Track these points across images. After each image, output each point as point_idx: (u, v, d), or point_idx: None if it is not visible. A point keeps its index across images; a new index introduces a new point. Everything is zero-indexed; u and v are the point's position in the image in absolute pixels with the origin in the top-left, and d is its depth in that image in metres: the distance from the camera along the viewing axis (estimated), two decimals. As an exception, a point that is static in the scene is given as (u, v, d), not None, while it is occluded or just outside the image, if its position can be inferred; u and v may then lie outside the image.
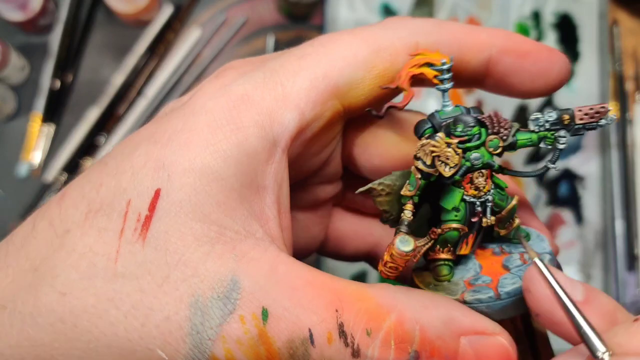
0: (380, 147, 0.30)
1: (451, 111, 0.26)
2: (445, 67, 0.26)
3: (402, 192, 0.26)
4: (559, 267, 0.26)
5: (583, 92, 0.68)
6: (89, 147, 0.65)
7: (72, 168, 0.65)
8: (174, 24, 0.68)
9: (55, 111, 0.66)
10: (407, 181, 0.26)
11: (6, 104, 0.64)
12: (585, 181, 0.67)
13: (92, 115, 0.66)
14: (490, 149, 0.25)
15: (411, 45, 0.27)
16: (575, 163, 0.67)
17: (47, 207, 0.25)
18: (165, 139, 0.24)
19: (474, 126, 0.25)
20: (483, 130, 0.25)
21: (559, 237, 0.66)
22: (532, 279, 0.23)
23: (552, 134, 0.25)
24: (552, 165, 0.26)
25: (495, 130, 0.25)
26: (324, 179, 0.31)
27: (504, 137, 0.25)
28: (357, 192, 0.27)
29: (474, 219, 0.26)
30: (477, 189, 0.26)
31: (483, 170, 0.26)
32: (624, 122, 0.68)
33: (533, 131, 0.26)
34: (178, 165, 0.23)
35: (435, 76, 0.26)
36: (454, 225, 0.26)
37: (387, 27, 0.27)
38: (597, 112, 0.24)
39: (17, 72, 0.64)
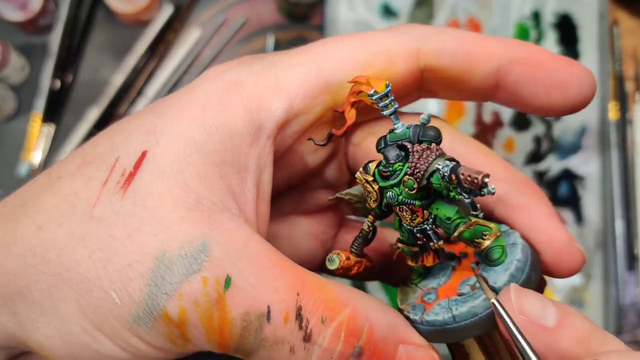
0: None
1: (400, 134, 0.25)
2: (376, 96, 0.25)
3: (367, 204, 0.27)
4: (536, 280, 0.25)
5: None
6: (89, 147, 0.65)
7: (72, 168, 0.65)
8: (174, 24, 0.68)
9: (55, 111, 0.66)
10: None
11: (6, 104, 0.64)
12: (585, 181, 0.67)
13: (92, 115, 0.66)
14: (406, 189, 0.25)
15: (412, 50, 0.26)
16: (575, 163, 0.67)
17: (51, 165, 0.27)
18: (160, 110, 0.26)
19: (394, 163, 0.25)
20: (406, 165, 0.25)
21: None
22: (504, 305, 0.23)
23: (454, 188, 0.24)
24: (476, 212, 0.25)
25: (410, 171, 0.24)
26: (327, 182, 0.31)
27: (417, 180, 0.24)
28: (328, 199, 0.28)
29: (420, 242, 0.26)
30: (411, 219, 0.26)
31: (405, 207, 0.25)
32: (624, 122, 0.68)
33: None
34: (166, 133, 0.24)
35: (373, 103, 0.25)
36: (400, 245, 0.27)
37: (391, 32, 0.27)
38: (472, 182, 0.23)
39: (17, 72, 0.64)
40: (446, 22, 0.68)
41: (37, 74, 0.66)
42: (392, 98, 0.25)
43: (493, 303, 0.23)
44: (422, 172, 0.24)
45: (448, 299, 0.26)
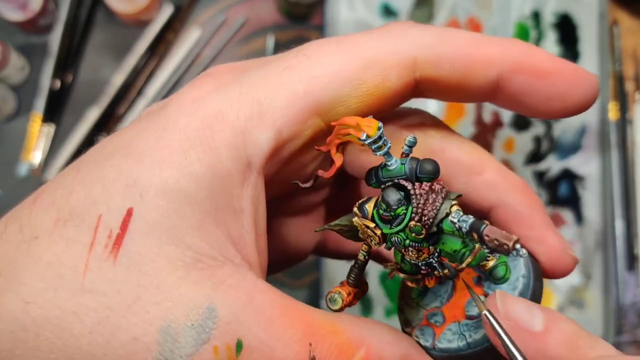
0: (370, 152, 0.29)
1: (394, 171, 0.24)
2: (368, 141, 0.23)
3: (359, 235, 0.25)
4: (540, 292, 0.25)
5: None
6: (88, 147, 0.65)
7: (72, 168, 0.65)
8: (174, 24, 0.68)
9: (55, 111, 0.66)
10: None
11: (6, 104, 0.64)
12: (585, 181, 0.67)
13: (92, 115, 0.66)
14: (413, 234, 0.23)
15: (407, 62, 0.24)
16: (575, 163, 0.67)
17: (20, 209, 0.24)
18: (137, 153, 0.23)
19: (396, 208, 0.23)
20: (409, 209, 0.23)
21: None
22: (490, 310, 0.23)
23: (471, 240, 0.23)
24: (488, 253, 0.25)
25: (416, 218, 0.23)
26: (318, 186, 0.30)
27: (426, 226, 0.23)
28: (315, 231, 0.27)
29: (423, 272, 0.25)
30: (412, 257, 0.25)
31: (411, 247, 0.24)
32: (624, 122, 0.68)
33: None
34: (150, 185, 0.22)
35: (364, 146, 0.23)
36: (402, 275, 0.26)
37: (383, 36, 0.25)
38: (502, 244, 0.22)
39: (17, 72, 0.64)
40: (446, 22, 0.68)
41: (37, 74, 0.66)
42: (385, 138, 0.23)
43: (485, 314, 0.23)
44: (431, 220, 0.23)
45: (458, 322, 0.25)
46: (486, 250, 0.25)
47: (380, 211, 0.24)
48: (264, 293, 0.23)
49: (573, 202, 0.67)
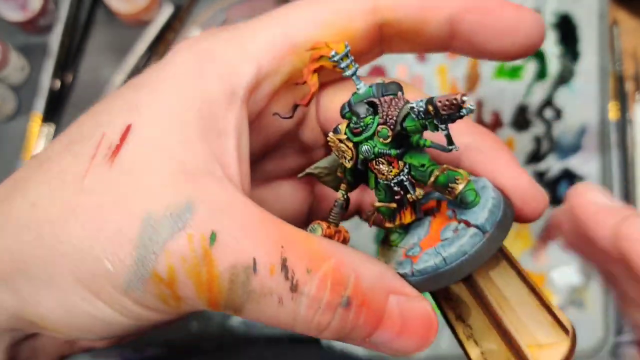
0: (331, 96, 0.31)
1: (363, 94, 0.26)
2: (336, 57, 0.26)
3: (337, 173, 0.27)
4: (485, 242, 0.26)
5: (583, 92, 0.67)
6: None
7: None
8: (174, 24, 0.68)
9: (55, 111, 0.66)
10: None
11: (6, 104, 0.64)
12: (585, 181, 0.67)
13: (92, 115, 0.66)
14: (381, 139, 0.25)
15: (369, 6, 0.28)
16: (575, 163, 0.67)
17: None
18: (139, 85, 0.27)
19: (364, 117, 0.25)
20: (376, 118, 0.25)
21: (559, 237, 0.66)
22: (586, 193, 0.27)
23: (430, 122, 0.24)
24: (452, 147, 0.25)
25: (382, 121, 0.25)
26: (303, 145, 0.33)
27: (391, 127, 0.25)
28: (298, 177, 0.29)
29: (397, 197, 0.27)
30: (382, 173, 0.26)
31: (382, 159, 0.26)
32: (624, 122, 0.68)
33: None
34: (148, 106, 0.26)
35: (335, 66, 0.26)
36: (378, 204, 0.27)
37: None
38: (452, 103, 0.23)
39: (17, 72, 0.65)
40: (446, 22, 0.68)
41: (37, 74, 0.66)
42: (352, 59, 0.26)
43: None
44: (394, 119, 0.25)
45: (434, 247, 0.26)
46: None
47: (351, 125, 0.26)
48: (243, 202, 0.25)
49: (573, 202, 0.67)
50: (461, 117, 0.23)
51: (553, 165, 0.67)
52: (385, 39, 0.29)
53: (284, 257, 0.23)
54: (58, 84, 0.66)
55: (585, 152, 0.67)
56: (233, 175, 0.26)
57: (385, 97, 0.25)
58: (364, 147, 0.25)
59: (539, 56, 0.69)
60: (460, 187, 0.26)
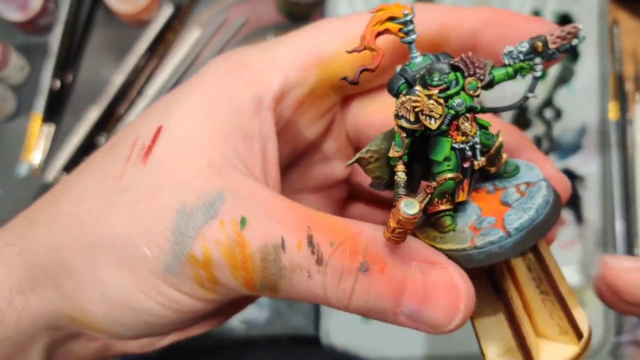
0: (382, 111, 0.31)
1: (421, 62, 0.26)
2: (408, 17, 0.25)
3: (390, 154, 0.26)
4: (555, 192, 0.27)
5: (583, 91, 0.68)
6: (89, 147, 0.65)
7: (72, 168, 0.65)
8: (174, 24, 0.68)
9: (55, 111, 0.66)
10: (393, 142, 0.25)
11: (6, 104, 0.64)
12: (585, 181, 0.67)
13: (92, 115, 0.66)
14: (470, 92, 0.25)
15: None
16: (575, 163, 0.67)
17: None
18: (173, 93, 0.29)
19: (449, 72, 0.25)
20: (459, 74, 0.25)
21: (559, 237, 0.66)
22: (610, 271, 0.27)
23: (528, 64, 0.25)
24: (532, 94, 0.26)
25: (471, 72, 0.25)
26: (328, 154, 0.33)
27: (481, 77, 0.25)
28: (346, 165, 0.28)
29: (466, 165, 0.26)
30: (464, 134, 0.26)
31: (467, 115, 0.26)
32: (624, 122, 0.68)
33: (508, 65, 0.26)
34: (178, 109, 0.28)
35: (400, 29, 0.26)
36: (449, 175, 0.26)
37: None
38: (568, 33, 0.24)
39: (17, 72, 0.65)
40: (446, 22, 0.68)
41: (37, 74, 0.66)
42: (415, 25, 0.26)
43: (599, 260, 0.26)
44: (483, 71, 0.25)
45: (509, 209, 0.26)
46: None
47: (434, 82, 0.25)
48: (269, 192, 0.27)
49: (573, 202, 0.67)
50: (573, 47, 0.24)
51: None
52: (408, 53, 0.30)
53: (310, 234, 0.25)
54: (58, 84, 0.66)
55: (585, 152, 0.67)
56: (258, 174, 0.28)
57: (466, 56, 0.25)
58: (457, 100, 0.25)
59: (539, 56, 0.69)
60: (505, 155, 0.27)
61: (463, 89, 0.25)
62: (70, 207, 0.28)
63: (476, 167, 0.26)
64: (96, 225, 0.27)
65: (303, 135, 0.31)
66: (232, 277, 0.26)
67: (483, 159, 0.26)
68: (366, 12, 0.28)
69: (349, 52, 0.26)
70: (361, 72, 0.26)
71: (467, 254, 0.26)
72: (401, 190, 0.25)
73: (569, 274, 0.65)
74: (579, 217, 0.67)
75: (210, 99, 0.28)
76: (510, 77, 0.26)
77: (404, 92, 0.25)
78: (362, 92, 0.32)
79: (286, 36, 0.30)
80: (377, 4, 0.27)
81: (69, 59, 0.67)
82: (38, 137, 0.65)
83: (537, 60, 0.25)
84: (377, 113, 0.32)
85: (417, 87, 0.24)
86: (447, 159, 0.26)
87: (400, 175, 0.25)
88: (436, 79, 0.25)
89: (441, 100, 0.24)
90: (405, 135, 0.25)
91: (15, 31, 0.66)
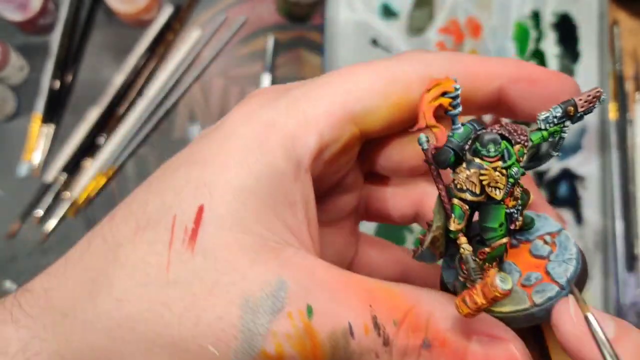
0: (397, 145, 0.32)
1: (463, 132, 0.26)
2: (459, 92, 0.26)
3: (452, 228, 0.26)
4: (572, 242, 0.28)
5: (583, 92, 0.67)
6: (89, 148, 0.65)
7: (72, 168, 0.65)
8: (174, 25, 0.68)
9: (55, 111, 0.66)
10: (453, 215, 0.25)
11: (6, 104, 0.64)
12: (585, 181, 0.67)
13: (92, 115, 0.66)
14: (520, 159, 0.26)
15: (424, 77, 0.28)
16: (575, 163, 0.67)
17: (100, 226, 0.28)
18: (202, 160, 0.27)
19: (500, 143, 0.26)
20: (507, 143, 0.26)
21: (559, 237, 0.66)
22: (561, 316, 0.25)
23: (560, 127, 0.26)
24: (556, 153, 0.27)
25: (517, 140, 0.26)
26: (343, 189, 0.33)
27: (525, 144, 0.26)
28: (413, 256, 0.28)
29: (512, 227, 0.27)
30: (515, 199, 0.26)
31: (519, 181, 0.26)
32: (624, 122, 0.68)
33: (541, 129, 0.27)
34: (217, 184, 0.26)
35: (450, 103, 0.26)
36: (504, 240, 0.26)
37: (402, 60, 0.29)
38: (594, 97, 0.26)
39: (17, 72, 0.65)
40: (446, 22, 0.68)
41: (37, 74, 0.66)
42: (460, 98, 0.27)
43: (587, 317, 0.24)
44: (526, 137, 0.26)
45: (548, 262, 0.27)
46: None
47: (491, 154, 0.25)
48: (324, 268, 0.26)
49: (573, 202, 0.67)
50: (592, 110, 0.26)
51: (553, 165, 0.67)
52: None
53: (374, 314, 0.25)
54: (58, 84, 0.66)
55: (585, 152, 0.67)
56: (307, 243, 0.27)
57: (504, 123, 0.26)
58: (514, 169, 0.26)
59: (539, 56, 0.69)
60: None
61: (517, 158, 0.26)
62: (111, 303, 0.25)
63: (517, 227, 0.27)
64: (149, 326, 0.25)
65: (330, 180, 0.31)
66: None
67: (521, 218, 0.27)
68: (387, 58, 0.30)
69: (412, 131, 0.27)
70: (433, 150, 0.27)
71: (529, 313, 0.26)
72: (472, 264, 0.25)
73: (569, 274, 0.65)
74: (579, 217, 0.67)
75: (249, 169, 0.26)
76: (545, 140, 0.27)
77: (464, 166, 0.25)
78: (392, 135, 0.32)
79: (309, 87, 0.29)
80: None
81: (69, 59, 0.67)
82: (38, 137, 0.65)
83: (567, 123, 0.26)
84: (391, 147, 0.32)
85: (477, 160, 0.25)
86: (501, 225, 0.26)
87: (467, 248, 0.25)
88: (492, 150, 0.25)
89: (504, 171, 0.25)
90: (467, 207, 0.25)
91: (15, 31, 0.66)
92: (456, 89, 0.26)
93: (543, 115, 0.26)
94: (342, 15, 0.67)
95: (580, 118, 0.27)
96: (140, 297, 0.25)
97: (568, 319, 0.24)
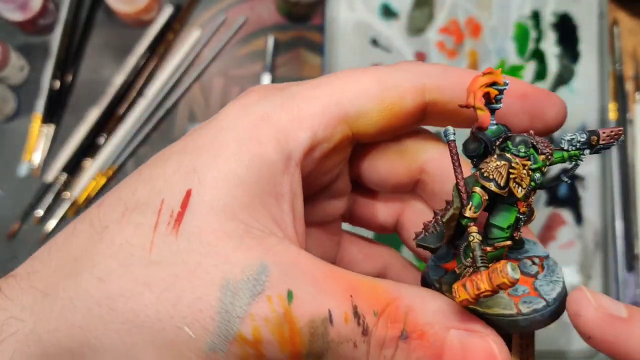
0: (385, 161, 0.32)
1: (496, 130, 0.27)
2: (507, 87, 0.27)
3: (467, 215, 0.25)
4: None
5: (583, 92, 0.68)
6: (89, 148, 0.65)
7: (72, 168, 0.65)
8: (174, 25, 0.68)
9: (55, 111, 0.66)
10: (471, 203, 0.25)
11: (6, 104, 0.64)
12: (585, 181, 0.67)
13: (92, 115, 0.66)
14: (543, 169, 0.27)
15: (418, 87, 0.29)
16: (575, 163, 0.67)
17: (88, 211, 0.28)
18: (195, 150, 0.27)
19: (530, 147, 0.27)
20: (534, 151, 0.27)
21: (559, 237, 0.66)
22: (581, 303, 0.25)
23: (580, 153, 0.27)
24: (566, 180, 0.28)
25: (544, 151, 0.27)
26: (332, 194, 0.34)
27: (549, 157, 0.27)
28: (418, 241, 0.28)
29: (515, 234, 0.27)
30: (528, 205, 0.27)
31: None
32: (624, 122, 0.68)
33: (563, 149, 0.28)
34: (207, 171, 0.26)
35: (496, 95, 0.26)
36: (508, 242, 0.27)
37: (398, 69, 0.30)
38: (616, 135, 0.27)
39: (17, 72, 0.65)
40: (446, 22, 0.68)
41: (37, 74, 0.66)
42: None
43: (582, 289, 0.25)
44: (551, 150, 0.27)
45: (535, 278, 0.27)
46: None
47: (521, 153, 0.26)
48: (307, 258, 0.26)
49: (573, 202, 0.67)
50: (611, 146, 0.27)
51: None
52: (428, 115, 0.31)
53: (354, 304, 0.25)
54: (58, 84, 0.66)
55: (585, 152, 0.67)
56: (291, 235, 0.27)
57: (532, 133, 0.27)
58: (537, 175, 0.27)
59: (539, 56, 0.69)
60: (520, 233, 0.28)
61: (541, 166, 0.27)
62: (94, 282, 0.25)
63: (518, 237, 0.27)
64: (129, 305, 0.24)
65: (320, 181, 0.32)
66: (279, 352, 0.25)
67: (521, 233, 0.28)
68: (383, 66, 0.30)
69: (461, 107, 0.27)
70: (475, 130, 0.27)
71: (513, 320, 0.26)
72: (480, 252, 0.25)
73: (569, 274, 0.65)
74: (578, 217, 0.67)
75: (240, 158, 0.26)
76: (564, 161, 0.28)
77: (495, 157, 0.26)
78: (377, 143, 0.32)
79: (305, 87, 0.29)
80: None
81: (69, 59, 0.67)
82: (38, 137, 0.65)
83: (586, 152, 0.27)
84: (381, 160, 0.33)
85: (509, 155, 0.26)
86: (509, 227, 0.27)
87: (478, 236, 0.25)
88: (523, 150, 0.26)
89: (530, 172, 0.26)
90: (487, 197, 0.26)
91: (15, 31, 0.66)
92: (505, 84, 0.26)
93: (569, 136, 0.27)
94: (342, 15, 0.67)
95: (599, 151, 0.28)
96: (122, 277, 0.25)
97: (589, 304, 0.25)
